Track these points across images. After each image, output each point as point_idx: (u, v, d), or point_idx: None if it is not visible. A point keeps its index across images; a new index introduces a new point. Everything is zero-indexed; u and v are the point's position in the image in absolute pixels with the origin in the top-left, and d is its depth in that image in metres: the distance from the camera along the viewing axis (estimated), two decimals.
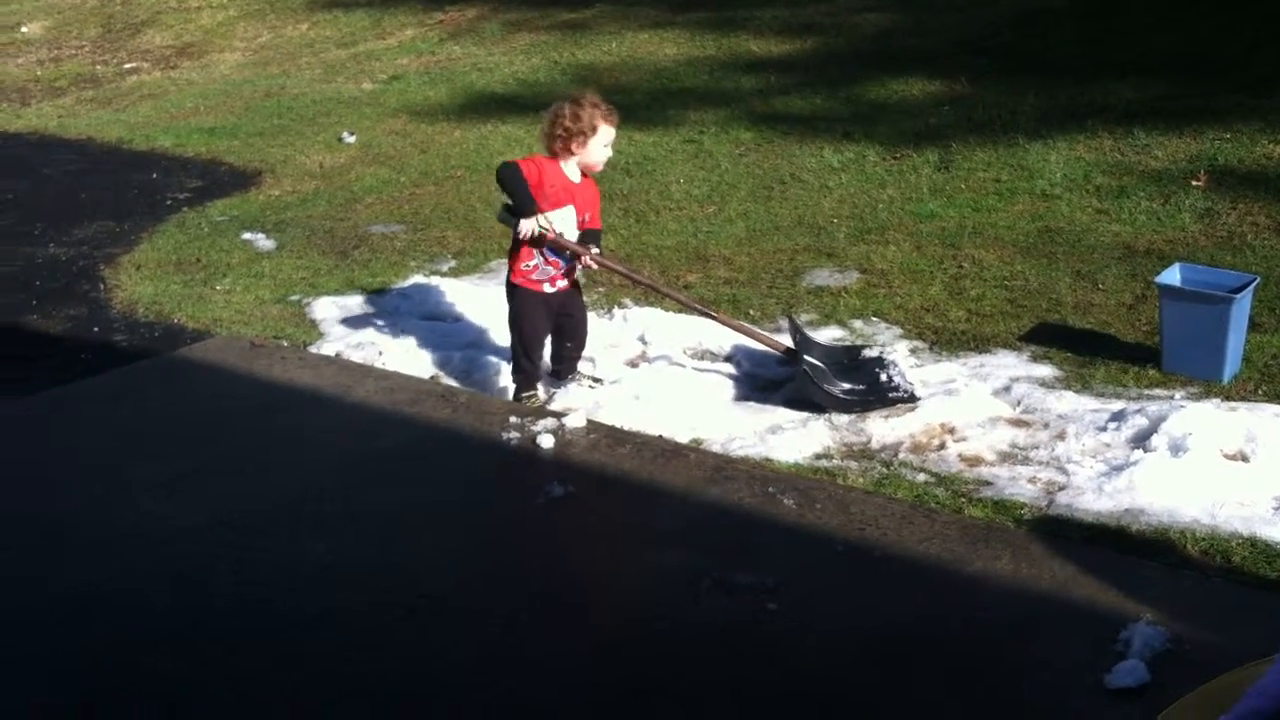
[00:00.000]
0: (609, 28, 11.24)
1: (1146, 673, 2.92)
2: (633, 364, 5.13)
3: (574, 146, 4.53)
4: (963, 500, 3.91)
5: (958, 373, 4.79)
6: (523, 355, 4.76)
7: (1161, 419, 4.10)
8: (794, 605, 3.34)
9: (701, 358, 5.18)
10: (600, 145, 4.55)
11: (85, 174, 8.94)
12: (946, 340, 5.11)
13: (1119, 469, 3.94)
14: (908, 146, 7.44)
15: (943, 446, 4.27)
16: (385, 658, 3.22)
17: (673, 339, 5.26)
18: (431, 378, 5.10)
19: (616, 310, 5.61)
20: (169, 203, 8.01)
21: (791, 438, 4.34)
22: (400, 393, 4.82)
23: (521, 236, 4.50)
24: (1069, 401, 4.47)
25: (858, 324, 5.34)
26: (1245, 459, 3.98)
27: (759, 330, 4.95)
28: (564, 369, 4.90)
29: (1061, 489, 3.92)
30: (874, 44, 9.58)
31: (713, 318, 4.88)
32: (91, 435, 4.64)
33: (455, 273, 6.34)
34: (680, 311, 5.51)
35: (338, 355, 5.32)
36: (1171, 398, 4.44)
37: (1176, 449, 3.96)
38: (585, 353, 4.96)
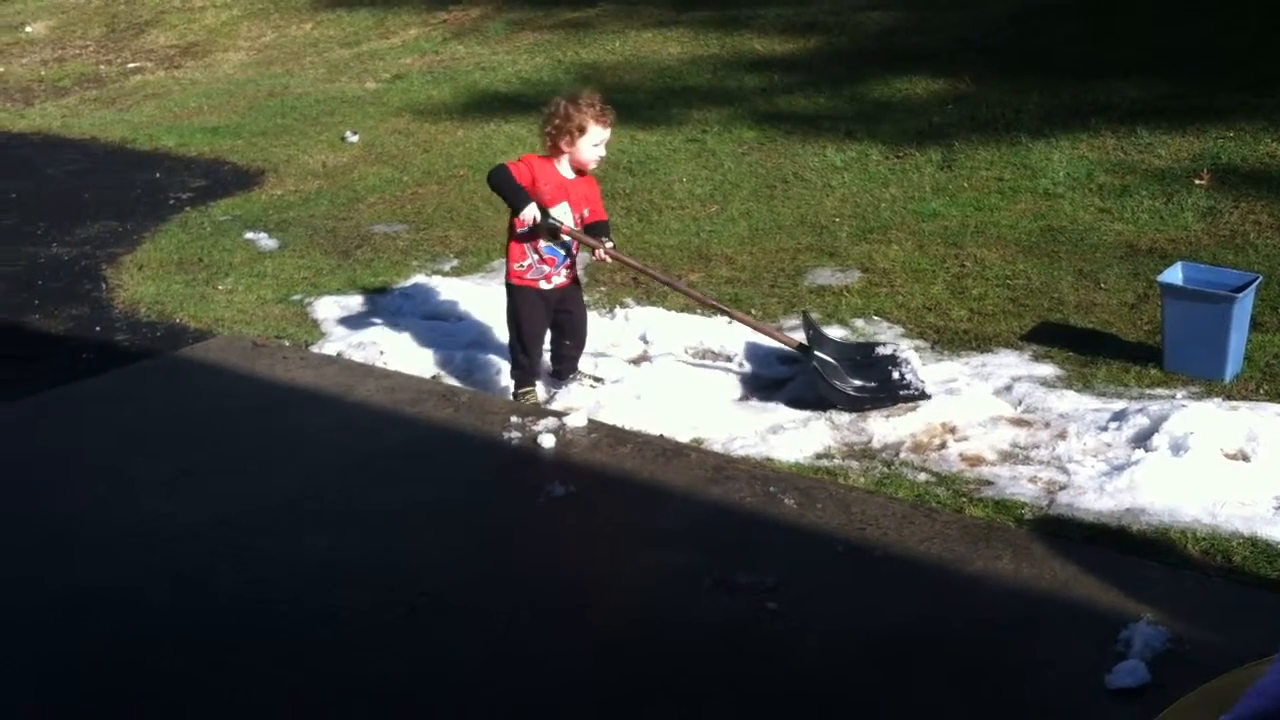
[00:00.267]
0: (612, 27, 11.24)
1: (1147, 673, 2.92)
2: (634, 363, 5.13)
3: (563, 144, 4.54)
4: (964, 500, 3.91)
5: (959, 372, 4.79)
6: (520, 352, 4.76)
7: (1163, 418, 4.10)
8: (794, 604, 3.34)
9: (703, 357, 5.18)
10: (590, 145, 4.54)
11: (88, 174, 8.96)
12: (948, 339, 5.11)
13: (1120, 468, 3.94)
14: (910, 145, 7.44)
15: (944, 446, 4.26)
16: (386, 656, 3.22)
17: (674, 338, 5.26)
18: (433, 377, 5.11)
19: (618, 310, 5.61)
20: (172, 202, 8.01)
21: (792, 437, 4.34)
22: (402, 392, 4.82)
23: (525, 224, 4.48)
24: (1070, 401, 4.47)
25: (859, 323, 5.33)
26: (1246, 459, 3.98)
27: (771, 327, 4.95)
28: (564, 368, 4.90)
29: (1062, 488, 3.92)
30: (877, 42, 9.57)
31: (726, 313, 4.89)
32: (93, 435, 4.64)
33: (457, 272, 6.34)
34: (682, 310, 5.51)
35: (339, 355, 5.32)
36: (1173, 397, 4.44)
37: (1178, 448, 3.96)
38: (586, 350, 4.96)
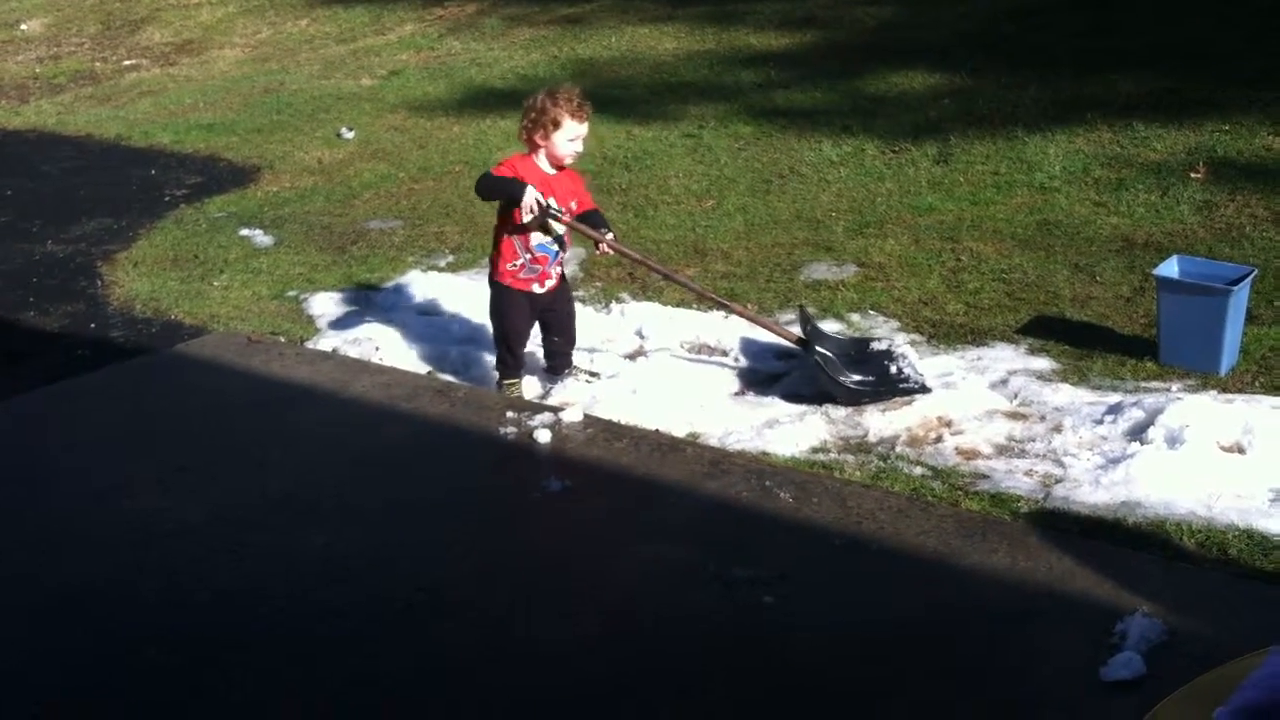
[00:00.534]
0: (608, 22, 11.23)
1: (1142, 665, 2.92)
2: (630, 358, 5.13)
3: (538, 138, 4.49)
4: (959, 493, 3.91)
5: (955, 366, 4.79)
6: (506, 350, 4.75)
7: (1158, 411, 4.10)
8: (791, 598, 3.34)
9: (699, 352, 5.18)
10: (565, 140, 4.48)
11: (83, 171, 8.93)
12: (944, 333, 5.11)
13: (1116, 461, 3.94)
14: (907, 140, 7.43)
15: (940, 439, 4.27)
16: (383, 652, 3.22)
17: (670, 333, 5.26)
18: (428, 373, 5.10)
19: (614, 304, 5.60)
20: (167, 199, 8.00)
21: (788, 431, 4.34)
22: (397, 388, 4.82)
23: (527, 212, 4.40)
24: (1066, 394, 4.47)
25: (855, 317, 5.33)
26: (1242, 451, 3.98)
27: (771, 321, 4.95)
28: (558, 363, 4.89)
29: (1058, 481, 3.92)
30: (874, 37, 9.56)
31: (727, 307, 4.89)
32: (89, 431, 4.64)
33: (453, 268, 6.33)
34: (678, 305, 5.51)
35: (335, 351, 5.31)
36: (1168, 390, 4.44)
37: (1173, 441, 3.96)
38: (581, 345, 4.95)
